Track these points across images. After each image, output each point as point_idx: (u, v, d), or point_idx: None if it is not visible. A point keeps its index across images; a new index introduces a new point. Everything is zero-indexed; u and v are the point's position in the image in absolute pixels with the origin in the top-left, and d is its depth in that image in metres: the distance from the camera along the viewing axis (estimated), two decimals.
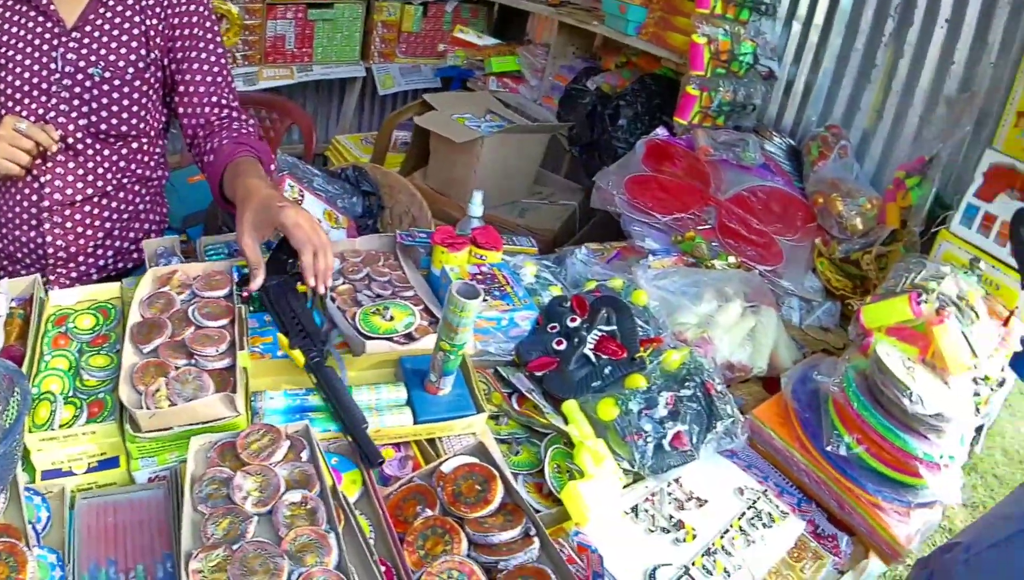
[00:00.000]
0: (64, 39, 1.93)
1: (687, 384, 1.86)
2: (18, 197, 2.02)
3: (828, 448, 1.86)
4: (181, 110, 2.11)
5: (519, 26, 5.01)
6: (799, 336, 2.63)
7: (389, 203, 3.07)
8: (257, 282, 1.65)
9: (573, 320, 1.94)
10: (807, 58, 3.51)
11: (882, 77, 3.30)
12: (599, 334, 1.91)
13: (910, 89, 3.21)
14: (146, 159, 2.18)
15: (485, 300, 1.90)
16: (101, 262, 2.17)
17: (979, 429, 2.20)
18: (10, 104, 1.93)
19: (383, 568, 1.13)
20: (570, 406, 1.72)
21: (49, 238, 2.05)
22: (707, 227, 2.82)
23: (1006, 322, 2.42)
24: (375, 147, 4.25)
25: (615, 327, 1.96)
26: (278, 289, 1.69)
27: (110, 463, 1.33)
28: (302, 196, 2.52)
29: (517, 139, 3.83)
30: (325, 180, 2.67)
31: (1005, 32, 2.91)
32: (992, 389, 2.27)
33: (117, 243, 2.19)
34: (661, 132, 3.26)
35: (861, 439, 1.87)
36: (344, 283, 1.84)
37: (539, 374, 1.81)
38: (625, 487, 1.69)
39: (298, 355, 1.53)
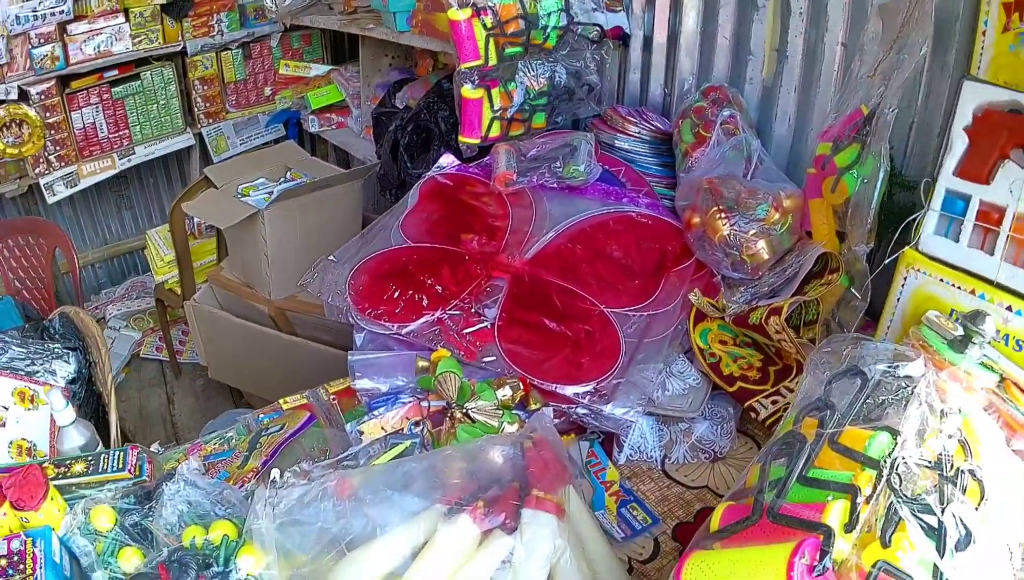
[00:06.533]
0: None
1: None
2: None
3: None
4: None
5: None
6: (655, 500, 1.34)
7: (99, 357, 2.04)
8: None
9: None
10: None
11: None
12: None
13: (820, 5, 1.88)
14: None
15: None
16: None
17: None
18: None
19: None
20: None
21: None
22: (482, 326, 1.54)
23: None
24: (174, 242, 3.09)
25: None
26: None
27: None
28: None
29: (314, 198, 2.63)
30: (20, 343, 1.95)
31: None
32: None
33: None
34: (447, 161, 1.99)
35: None
36: None
37: None
38: None
39: None
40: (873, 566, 0.77)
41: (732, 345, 1.59)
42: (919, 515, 0.85)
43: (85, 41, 3.40)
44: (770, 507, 0.83)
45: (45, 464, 1.28)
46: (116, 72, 3.60)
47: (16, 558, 1.11)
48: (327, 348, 2.59)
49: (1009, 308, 1.23)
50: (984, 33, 1.50)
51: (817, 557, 0.75)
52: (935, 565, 0.83)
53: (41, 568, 1.09)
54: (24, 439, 1.62)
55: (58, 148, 3.56)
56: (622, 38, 2.25)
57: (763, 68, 2.01)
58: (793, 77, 1.95)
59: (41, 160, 3.48)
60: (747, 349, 1.58)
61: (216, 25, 3.70)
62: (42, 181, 3.49)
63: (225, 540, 1.07)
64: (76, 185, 3.69)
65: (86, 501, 1.18)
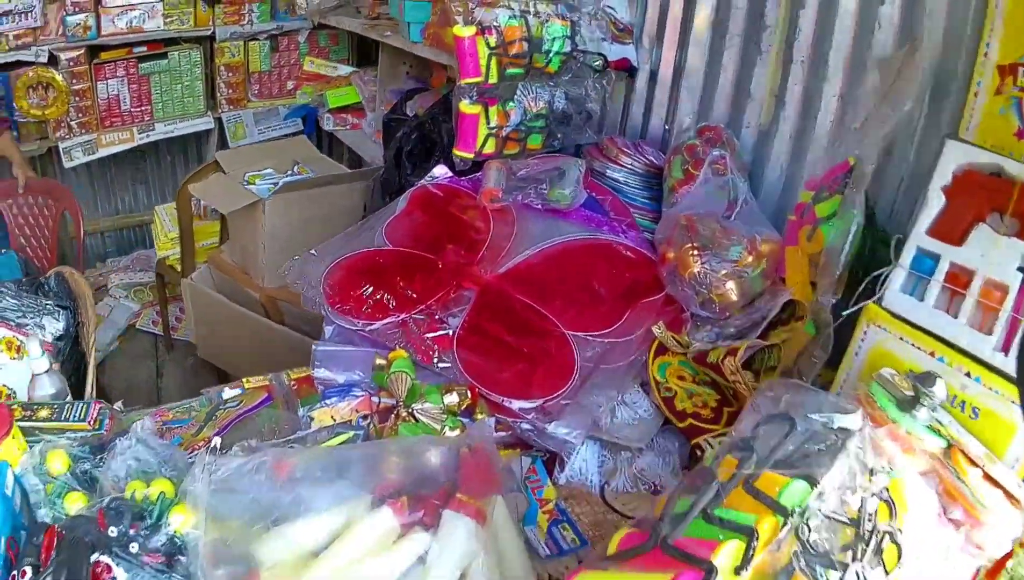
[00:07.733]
0: None
1: None
2: None
3: None
4: None
5: None
6: (588, 523, 1.37)
7: (86, 318, 2.11)
8: None
9: (24, 573, 1.03)
10: (671, 34, 2.22)
11: (778, 42, 1.99)
12: None
13: (821, 54, 1.90)
14: None
15: None
16: None
17: None
18: None
19: None
20: None
21: None
22: (443, 333, 1.58)
23: None
24: (179, 221, 3.16)
25: None
26: None
27: None
28: None
29: (316, 194, 2.69)
30: (15, 296, 2.02)
31: None
32: None
33: None
34: (440, 172, 2.04)
35: None
36: None
37: None
38: None
39: None
40: None
41: (690, 382, 1.61)
42: (817, 568, 0.86)
43: (119, 15, 3.48)
44: (665, 537, 0.86)
45: (13, 406, 1.33)
46: (145, 48, 3.68)
47: None
48: (311, 339, 2.64)
49: (968, 374, 1.20)
50: (976, 94, 1.48)
51: None
52: None
53: None
54: (5, 386, 1.68)
55: (80, 115, 3.65)
56: (629, 70, 2.30)
57: (761, 113, 2.04)
58: (789, 124, 1.97)
59: (63, 124, 3.58)
60: (705, 387, 1.61)
61: (247, 15, 3.78)
62: (61, 145, 3.58)
63: (161, 497, 1.12)
64: (94, 153, 3.76)
65: (43, 444, 1.23)
